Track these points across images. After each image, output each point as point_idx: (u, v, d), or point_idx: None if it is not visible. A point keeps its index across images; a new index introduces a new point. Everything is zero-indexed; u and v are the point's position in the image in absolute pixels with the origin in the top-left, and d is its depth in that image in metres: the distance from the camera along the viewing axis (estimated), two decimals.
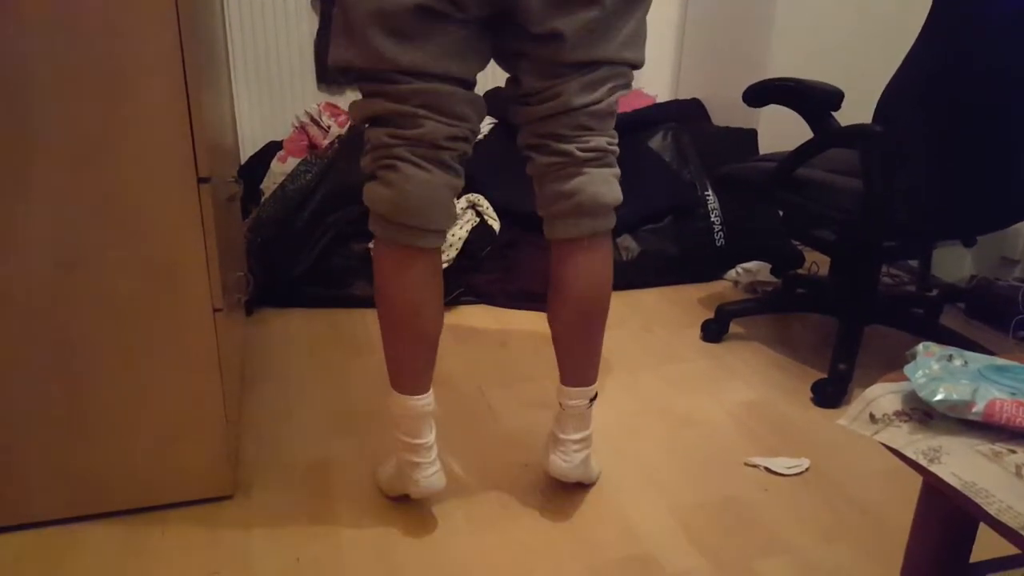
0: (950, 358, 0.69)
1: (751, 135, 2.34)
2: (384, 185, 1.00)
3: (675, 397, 1.57)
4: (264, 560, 1.10)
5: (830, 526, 1.19)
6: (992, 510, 0.55)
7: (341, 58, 0.96)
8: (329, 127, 2.10)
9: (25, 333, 1.05)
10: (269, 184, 1.97)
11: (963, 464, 0.60)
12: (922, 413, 0.66)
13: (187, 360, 1.12)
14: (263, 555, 1.11)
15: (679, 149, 2.26)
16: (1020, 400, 0.62)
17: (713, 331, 1.83)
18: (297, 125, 2.17)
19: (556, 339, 1.14)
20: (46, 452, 1.12)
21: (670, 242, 2.14)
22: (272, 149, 2.17)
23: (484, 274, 1.98)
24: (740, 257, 2.18)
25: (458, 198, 1.78)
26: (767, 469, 1.33)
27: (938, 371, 0.66)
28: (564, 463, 1.16)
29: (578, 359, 1.13)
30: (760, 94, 1.57)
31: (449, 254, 1.88)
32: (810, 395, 1.58)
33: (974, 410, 0.62)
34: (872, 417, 0.68)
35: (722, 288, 2.16)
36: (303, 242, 1.88)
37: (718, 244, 2.16)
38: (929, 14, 1.37)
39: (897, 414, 0.67)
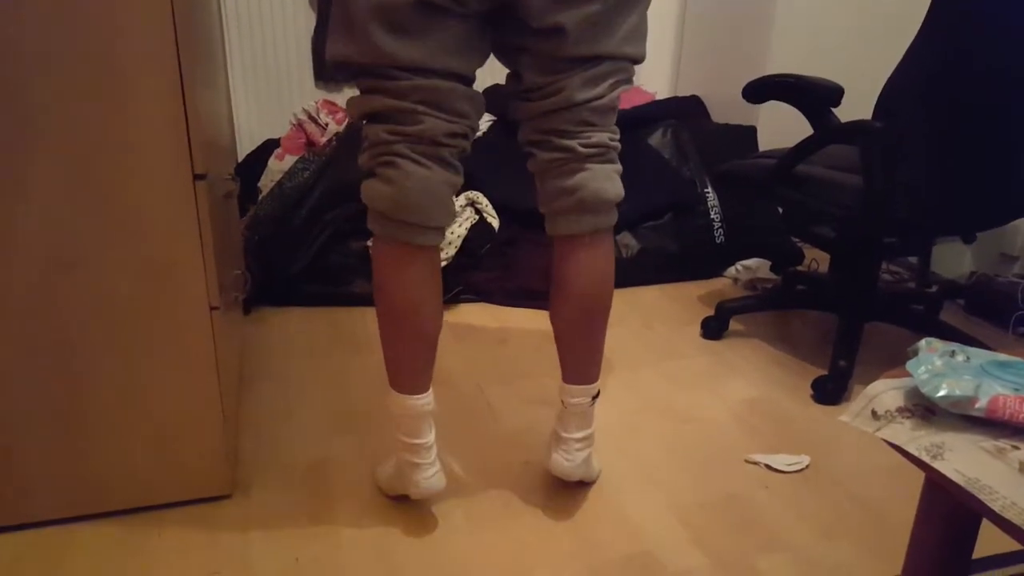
0: (952, 354, 0.68)
1: (750, 132, 2.33)
2: (383, 182, 0.99)
3: (675, 394, 1.57)
4: (263, 560, 1.10)
5: (831, 523, 1.19)
6: (996, 507, 0.54)
7: (339, 53, 0.95)
8: (327, 124, 2.09)
9: (22, 333, 1.05)
10: (267, 182, 1.96)
11: (966, 461, 0.59)
12: (924, 409, 0.66)
13: (184, 359, 1.12)
14: (262, 555, 1.11)
15: (679, 146, 2.26)
16: (1023, 396, 0.62)
17: (713, 328, 1.82)
18: (295, 123, 2.17)
19: (558, 336, 1.14)
20: (44, 452, 1.11)
21: (670, 239, 2.13)
22: (269, 147, 2.16)
23: (483, 272, 1.97)
24: (740, 254, 2.18)
25: (457, 195, 1.77)
26: (768, 466, 1.33)
27: (941, 367, 0.66)
28: (566, 462, 1.16)
29: (580, 356, 1.13)
30: (760, 90, 1.57)
31: (448, 252, 1.88)
32: (810, 392, 1.57)
33: (977, 406, 0.62)
34: (874, 413, 0.67)
35: (722, 285, 2.16)
36: (301, 240, 1.87)
37: (718, 241, 2.16)
38: (929, 11, 1.36)
39: (899, 410, 0.66)
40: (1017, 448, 0.60)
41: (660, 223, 2.15)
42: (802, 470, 1.32)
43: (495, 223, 1.98)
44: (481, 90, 1.04)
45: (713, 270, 2.19)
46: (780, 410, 1.51)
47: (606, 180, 1.04)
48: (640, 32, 1.00)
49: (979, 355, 0.69)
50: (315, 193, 1.87)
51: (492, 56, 1.05)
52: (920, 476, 1.29)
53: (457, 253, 1.90)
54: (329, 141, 2.03)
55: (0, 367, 1.05)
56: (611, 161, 1.06)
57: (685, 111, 2.47)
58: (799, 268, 2.14)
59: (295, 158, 2.00)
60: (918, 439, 0.62)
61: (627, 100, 2.49)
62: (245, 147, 2.35)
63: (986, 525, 0.65)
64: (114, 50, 0.96)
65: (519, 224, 1.99)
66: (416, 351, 1.07)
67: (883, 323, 1.89)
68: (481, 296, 1.99)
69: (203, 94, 1.15)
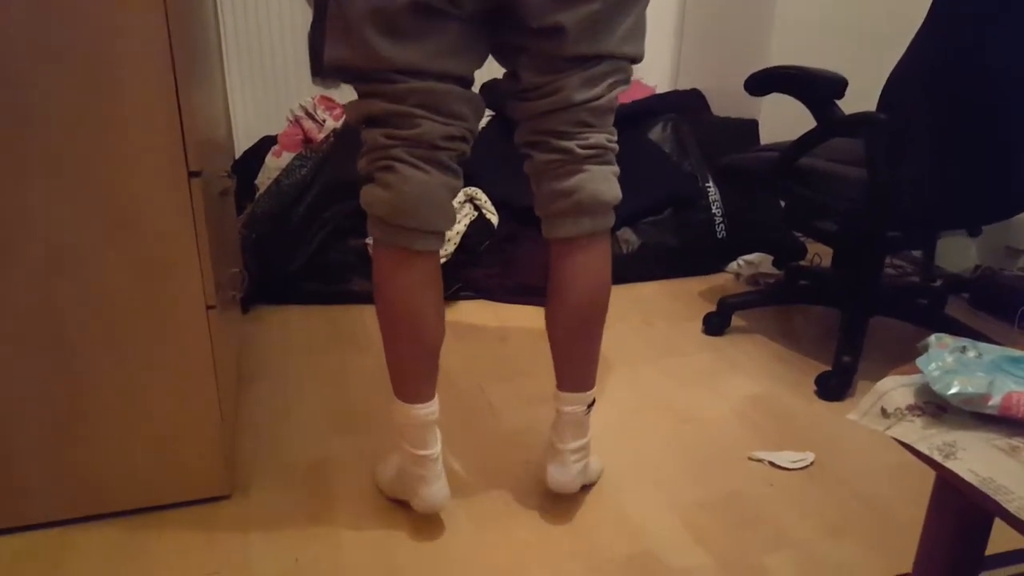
0: (963, 350, 0.67)
1: (752, 125, 2.32)
2: (381, 187, 0.98)
3: (677, 392, 1.55)
4: (263, 561, 1.09)
5: (836, 520, 1.18)
6: (1012, 507, 0.53)
7: (337, 58, 0.94)
8: (324, 121, 2.07)
9: (19, 334, 1.04)
10: (264, 179, 1.94)
11: (980, 460, 0.58)
12: (935, 407, 0.64)
13: (181, 359, 1.10)
14: (262, 556, 1.10)
15: (679, 140, 2.24)
16: None
17: (715, 324, 1.81)
18: (292, 119, 2.15)
19: (554, 342, 1.12)
20: (42, 453, 1.10)
21: (671, 234, 2.12)
22: (267, 144, 2.14)
23: (482, 269, 1.95)
24: (742, 249, 2.16)
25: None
26: (771, 464, 1.31)
27: (952, 363, 0.64)
28: (562, 477, 1.15)
29: (576, 362, 1.11)
30: (763, 82, 1.55)
31: (447, 249, 1.86)
32: (814, 388, 1.56)
33: (990, 403, 0.60)
34: (884, 411, 0.66)
35: (723, 281, 2.14)
36: (299, 237, 1.85)
37: (719, 236, 2.14)
38: (931, 6, 1.35)
39: (910, 408, 0.65)
40: None
41: (661, 218, 2.13)
42: (806, 467, 1.31)
43: (494, 219, 1.97)
44: (478, 84, 1.03)
45: (714, 265, 2.18)
46: (783, 407, 1.50)
47: (604, 182, 1.03)
48: (639, 31, 0.99)
49: (991, 351, 0.67)
50: (313, 190, 1.86)
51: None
52: (927, 473, 1.28)
53: (456, 250, 1.88)
54: (327, 138, 2.01)
55: None
56: (609, 163, 1.05)
57: (686, 105, 2.45)
58: (802, 263, 2.12)
59: (292, 155, 1.98)
60: (929, 438, 0.61)
61: (627, 94, 2.46)
62: (242, 144, 2.33)
63: (998, 520, 0.63)
64: (107, 48, 0.95)
65: (518, 220, 1.97)
66: (417, 358, 1.05)
67: (887, 318, 1.87)
68: (481, 293, 1.98)
69: (198, 91, 1.13)
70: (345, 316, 1.87)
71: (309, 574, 1.06)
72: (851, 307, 1.62)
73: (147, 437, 1.13)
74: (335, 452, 1.34)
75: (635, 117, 2.28)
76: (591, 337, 1.10)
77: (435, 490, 1.10)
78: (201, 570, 1.07)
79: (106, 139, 0.98)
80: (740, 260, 2.14)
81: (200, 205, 1.05)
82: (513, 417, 1.46)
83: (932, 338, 0.69)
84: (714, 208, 2.14)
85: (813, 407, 1.50)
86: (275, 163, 1.97)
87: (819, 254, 2.23)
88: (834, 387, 1.51)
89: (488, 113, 2.15)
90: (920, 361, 0.66)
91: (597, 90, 0.98)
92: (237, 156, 2.24)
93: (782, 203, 2.20)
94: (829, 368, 1.55)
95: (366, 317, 1.86)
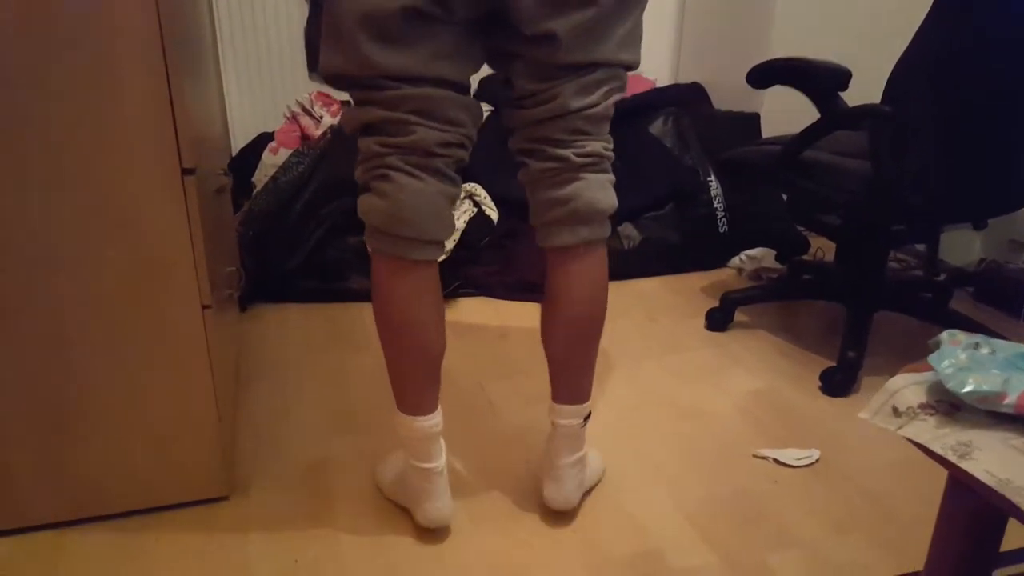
0: (976, 346, 0.65)
1: (754, 119, 2.29)
2: (377, 196, 0.97)
3: (679, 388, 1.54)
4: (261, 562, 1.07)
5: (842, 518, 1.16)
6: None
7: (331, 65, 0.93)
8: (321, 117, 2.05)
9: (12, 333, 1.02)
10: (261, 176, 1.92)
11: (996, 460, 0.56)
12: (948, 405, 0.63)
13: (177, 358, 1.09)
14: (260, 557, 1.08)
15: (680, 134, 2.22)
16: None
17: (718, 320, 1.79)
18: (289, 116, 2.13)
19: (550, 353, 1.10)
20: (37, 455, 1.09)
21: (672, 229, 2.10)
22: (263, 140, 2.12)
23: (482, 266, 1.94)
24: (744, 244, 2.14)
25: None
26: (776, 461, 1.30)
27: (965, 361, 0.63)
28: (558, 494, 1.13)
29: (572, 373, 1.09)
30: (765, 75, 1.53)
31: (447, 245, 1.84)
32: (818, 384, 1.54)
33: (1006, 401, 0.59)
34: (895, 410, 0.64)
35: (726, 276, 2.13)
36: (297, 235, 1.84)
37: (721, 231, 2.12)
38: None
39: (922, 407, 0.63)
40: None
41: (662, 213, 2.11)
42: (811, 464, 1.29)
43: (494, 216, 1.95)
44: (477, 80, 1.01)
45: (716, 260, 2.16)
46: (787, 403, 1.48)
47: (600, 190, 1.02)
48: (635, 38, 0.98)
49: (1004, 348, 0.65)
50: (311, 187, 1.84)
51: None
52: (934, 470, 1.27)
53: (456, 247, 1.86)
54: (324, 134, 1.99)
55: None
56: (605, 171, 1.03)
57: (686, 98, 2.43)
58: (805, 257, 2.10)
59: (289, 151, 1.96)
60: (943, 437, 0.59)
61: (627, 87, 2.44)
62: (239, 142, 2.31)
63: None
64: (98, 44, 0.93)
65: (519, 216, 1.95)
66: (418, 369, 1.04)
67: (891, 312, 1.85)
68: (481, 290, 1.96)
69: (191, 87, 1.12)
70: (344, 314, 1.85)
71: (308, 575, 1.05)
72: (855, 302, 1.61)
73: (144, 438, 1.12)
74: (334, 452, 1.33)
75: (635, 111, 2.25)
76: (588, 348, 1.08)
77: (439, 506, 1.09)
78: (199, 572, 1.05)
79: (99, 137, 0.97)
80: (742, 255, 2.12)
81: (195, 203, 1.04)
82: (513, 416, 1.44)
83: (944, 335, 0.67)
84: (716, 202, 2.13)
85: (818, 403, 1.48)
86: (272, 160, 1.95)
87: (822, 248, 2.21)
88: (839, 383, 1.50)
89: (487, 108, 2.13)
90: (932, 358, 0.64)
91: (593, 97, 0.97)
92: (234, 154, 2.22)
93: (785, 197, 2.18)
94: (833, 364, 1.53)
95: (365, 315, 1.84)
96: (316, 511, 1.18)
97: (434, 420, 1.06)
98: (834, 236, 1.78)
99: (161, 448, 1.13)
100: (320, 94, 2.19)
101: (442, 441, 1.09)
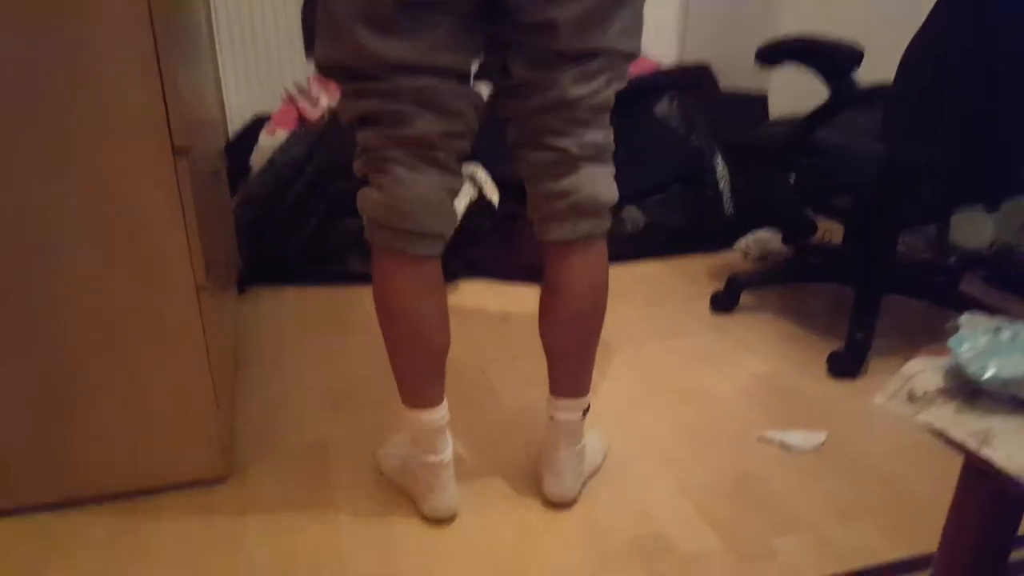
0: (997, 330, 0.63)
1: (761, 100, 2.26)
2: (376, 189, 0.95)
3: (684, 372, 1.52)
4: (260, 544, 1.07)
5: (849, 502, 1.14)
6: None
7: (326, 56, 0.90)
8: (319, 98, 2.02)
9: (1, 315, 1.00)
10: (258, 159, 1.90)
11: (1018, 446, 0.54)
12: (968, 390, 0.60)
13: (172, 341, 1.07)
14: (259, 539, 1.07)
15: (685, 115, 2.18)
16: None
17: (723, 303, 1.76)
18: (286, 98, 2.09)
19: (548, 347, 1.08)
20: (31, 436, 1.08)
21: (677, 212, 2.07)
22: (260, 123, 2.09)
23: (484, 248, 1.91)
24: (750, 226, 2.11)
25: None
26: (782, 444, 1.28)
27: (986, 345, 0.60)
28: (556, 488, 1.12)
29: (572, 368, 1.07)
30: (774, 53, 1.49)
31: None
32: (825, 367, 1.52)
33: None
34: (911, 395, 0.62)
35: (731, 259, 2.10)
36: (295, 217, 1.81)
37: (727, 213, 2.09)
38: None
39: (940, 392, 0.61)
40: None
41: (667, 195, 2.08)
42: (818, 447, 1.27)
43: (495, 198, 1.92)
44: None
45: (722, 243, 2.13)
46: (794, 386, 1.46)
47: (601, 183, 0.99)
48: (635, 26, 0.95)
49: None
50: (308, 169, 1.81)
51: None
52: (944, 453, 1.25)
53: (456, 230, 1.83)
54: (322, 116, 1.96)
55: None
56: (606, 162, 1.00)
57: (692, 79, 2.38)
58: (812, 240, 2.07)
59: (287, 133, 1.93)
60: (963, 423, 0.57)
61: (631, 68, 2.40)
62: (236, 126, 2.28)
63: None
64: (85, 21, 0.91)
65: (520, 198, 1.92)
66: (421, 365, 1.02)
67: (899, 295, 1.83)
68: (482, 274, 1.94)
69: (183, 67, 1.09)
70: (343, 297, 1.83)
71: (307, 558, 1.04)
72: (864, 284, 1.58)
73: (139, 420, 1.11)
74: (334, 434, 1.31)
75: (640, 92, 2.21)
76: (588, 343, 1.06)
77: (445, 498, 1.08)
78: (196, 554, 1.04)
79: (87, 116, 0.95)
80: (748, 237, 2.09)
81: (187, 184, 1.02)
82: (515, 399, 1.42)
83: (963, 317, 0.65)
84: (721, 184, 2.09)
85: (824, 386, 1.46)
86: (269, 142, 1.92)
87: (829, 231, 2.17)
88: (846, 365, 1.48)
89: (487, 86, 2.09)
90: (952, 342, 0.62)
91: (593, 86, 0.94)
92: (231, 137, 2.19)
93: (792, 179, 2.14)
94: (840, 347, 1.51)
95: (364, 298, 1.82)
96: (315, 493, 1.16)
97: (439, 414, 1.05)
98: (843, 218, 1.75)
99: (157, 430, 1.12)
100: (318, 76, 2.16)
101: (448, 433, 1.07)
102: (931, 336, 1.64)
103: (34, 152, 0.94)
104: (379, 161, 0.93)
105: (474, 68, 0.96)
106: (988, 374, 0.57)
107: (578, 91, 0.93)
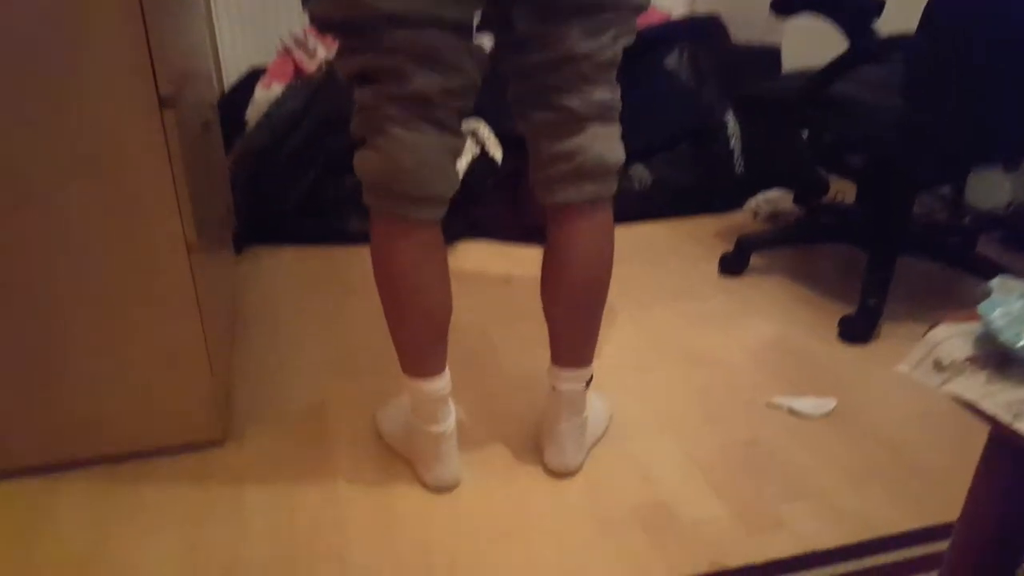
0: None
1: (774, 53, 2.17)
2: (373, 150, 0.90)
3: (691, 335, 1.48)
4: (257, 508, 1.05)
5: (859, 469, 1.12)
6: None
7: (321, 10, 0.85)
8: (316, 50, 1.95)
9: None
10: (253, 113, 1.83)
11: None
12: (999, 359, 0.56)
13: (162, 301, 1.04)
14: (256, 503, 1.06)
15: (696, 68, 2.10)
16: None
17: (732, 265, 1.72)
18: (282, 49, 2.02)
19: (550, 316, 1.04)
20: (20, 397, 1.05)
21: (685, 170, 2.01)
22: (255, 76, 2.02)
23: (485, 207, 1.86)
24: (761, 185, 2.05)
25: None
26: (791, 410, 1.25)
27: (1021, 310, 0.56)
28: (558, 459, 1.09)
29: (575, 337, 1.03)
30: (790, 2, 1.42)
31: None
32: (836, 331, 1.48)
33: None
34: (938, 364, 0.58)
35: (741, 219, 2.05)
36: (292, 173, 1.76)
37: (737, 171, 2.03)
38: None
39: (969, 360, 0.57)
40: None
41: (675, 153, 2.02)
42: (828, 414, 1.25)
43: (498, 155, 1.86)
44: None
45: (731, 203, 2.07)
46: (804, 350, 1.43)
47: (608, 143, 0.94)
48: None
49: None
50: (306, 122, 1.75)
51: None
52: (958, 420, 1.22)
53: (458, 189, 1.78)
54: (319, 67, 1.89)
55: None
56: (612, 122, 0.95)
57: (703, 31, 2.29)
58: (824, 200, 2.02)
59: (283, 86, 1.87)
60: (995, 394, 0.53)
61: (640, 19, 2.31)
62: (232, 79, 2.21)
63: None
64: None
65: (524, 155, 1.86)
66: (422, 335, 0.98)
67: (911, 258, 1.78)
68: (484, 233, 1.89)
69: (169, 11, 1.03)
70: (342, 257, 1.80)
71: (305, 524, 1.02)
72: (878, 245, 1.53)
73: (130, 383, 1.08)
74: (333, 396, 1.29)
75: (649, 44, 2.13)
76: (592, 311, 1.02)
77: (449, 470, 1.06)
78: (192, 518, 1.03)
79: (66, 62, 0.90)
80: (759, 197, 2.04)
81: (175, 136, 0.97)
82: (518, 362, 1.39)
83: (995, 281, 0.60)
84: (732, 142, 2.03)
85: (835, 351, 1.42)
86: (265, 95, 1.85)
87: (841, 191, 2.11)
88: (858, 330, 1.44)
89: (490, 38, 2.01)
90: (983, 307, 0.58)
91: (601, 41, 0.89)
92: (226, 91, 2.12)
93: (805, 135, 2.07)
94: (852, 310, 1.47)
95: (364, 258, 1.79)
96: (315, 457, 1.15)
97: (442, 383, 1.02)
98: (856, 177, 1.69)
99: (150, 392, 1.09)
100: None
101: (451, 402, 1.05)
102: (945, 300, 1.60)
103: (6, 99, 0.90)
104: (376, 121, 0.89)
105: (475, 21, 0.90)
106: (1023, 341, 0.53)
107: (585, 46, 0.88)
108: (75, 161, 0.94)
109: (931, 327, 0.61)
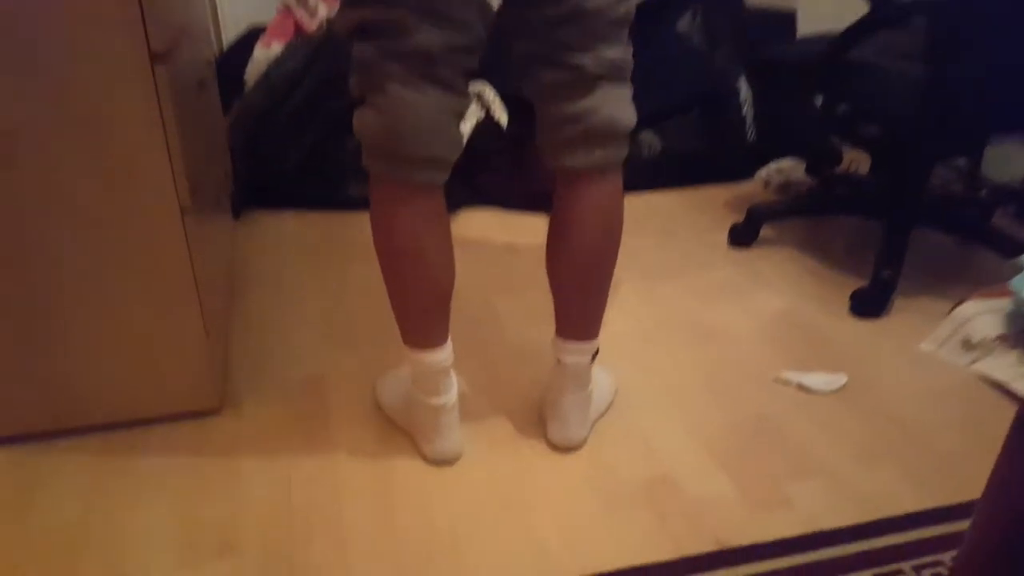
0: None
1: (789, 17, 2.10)
2: (372, 110, 0.86)
3: (699, 308, 1.45)
4: (254, 478, 1.03)
5: (869, 447, 1.10)
6: None
7: None
8: (316, 8, 1.89)
9: None
10: (252, 72, 1.78)
11: None
12: None
13: (154, 266, 1.01)
14: (253, 473, 1.04)
15: (709, 32, 2.04)
16: None
17: (742, 235, 1.68)
18: (282, 8, 1.96)
19: (556, 287, 1.00)
20: (10, 364, 1.03)
21: (696, 137, 1.96)
22: (254, 35, 1.96)
23: (490, 173, 1.81)
24: (773, 154, 2.00)
25: None
26: (800, 385, 1.23)
27: None
28: (561, 434, 1.07)
29: (582, 309, 1.00)
30: None
31: None
32: (848, 305, 1.45)
33: None
34: (967, 342, 0.55)
35: (752, 189, 2.00)
36: (292, 134, 1.72)
37: (749, 139, 1.98)
38: None
39: (999, 339, 0.54)
40: None
41: (685, 119, 1.96)
42: (838, 390, 1.22)
43: (503, 119, 1.81)
44: None
45: (742, 172, 2.03)
46: (815, 325, 1.40)
47: (619, 105, 0.90)
48: None
49: None
50: (306, 82, 1.70)
51: None
52: (973, 397, 1.18)
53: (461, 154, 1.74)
54: (320, 26, 1.84)
55: None
56: (624, 82, 0.91)
57: None
58: (837, 170, 1.97)
59: (283, 45, 1.81)
60: None
61: None
62: (231, 37, 2.15)
63: None
64: None
65: (530, 119, 1.81)
66: (423, 305, 0.95)
67: (925, 231, 1.74)
68: (487, 201, 1.85)
69: None
70: (342, 223, 1.76)
71: (303, 495, 1.01)
72: (893, 217, 1.49)
73: (124, 349, 1.06)
74: (332, 366, 1.27)
75: (661, 6, 2.06)
76: (599, 283, 0.99)
77: (450, 443, 1.04)
78: (188, 488, 1.01)
79: (53, 15, 0.85)
80: (771, 166, 1.99)
81: (168, 94, 0.93)
82: (521, 333, 1.37)
83: None
84: (744, 109, 1.97)
85: (847, 325, 1.39)
86: (264, 54, 1.80)
87: (855, 161, 2.06)
88: (871, 304, 1.40)
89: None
90: (1016, 282, 0.54)
91: None
92: (224, 50, 2.07)
93: (820, 104, 2.02)
94: (864, 284, 1.43)
95: (365, 224, 1.73)
96: (313, 427, 1.13)
97: (443, 354, 0.99)
98: (870, 147, 1.64)
99: (144, 360, 1.07)
100: None
101: (453, 374, 1.02)
102: (959, 274, 1.56)
103: None
104: (376, 78, 0.84)
105: None
106: None
107: (598, 1, 0.83)
108: (63, 120, 0.90)
109: (958, 303, 0.58)
